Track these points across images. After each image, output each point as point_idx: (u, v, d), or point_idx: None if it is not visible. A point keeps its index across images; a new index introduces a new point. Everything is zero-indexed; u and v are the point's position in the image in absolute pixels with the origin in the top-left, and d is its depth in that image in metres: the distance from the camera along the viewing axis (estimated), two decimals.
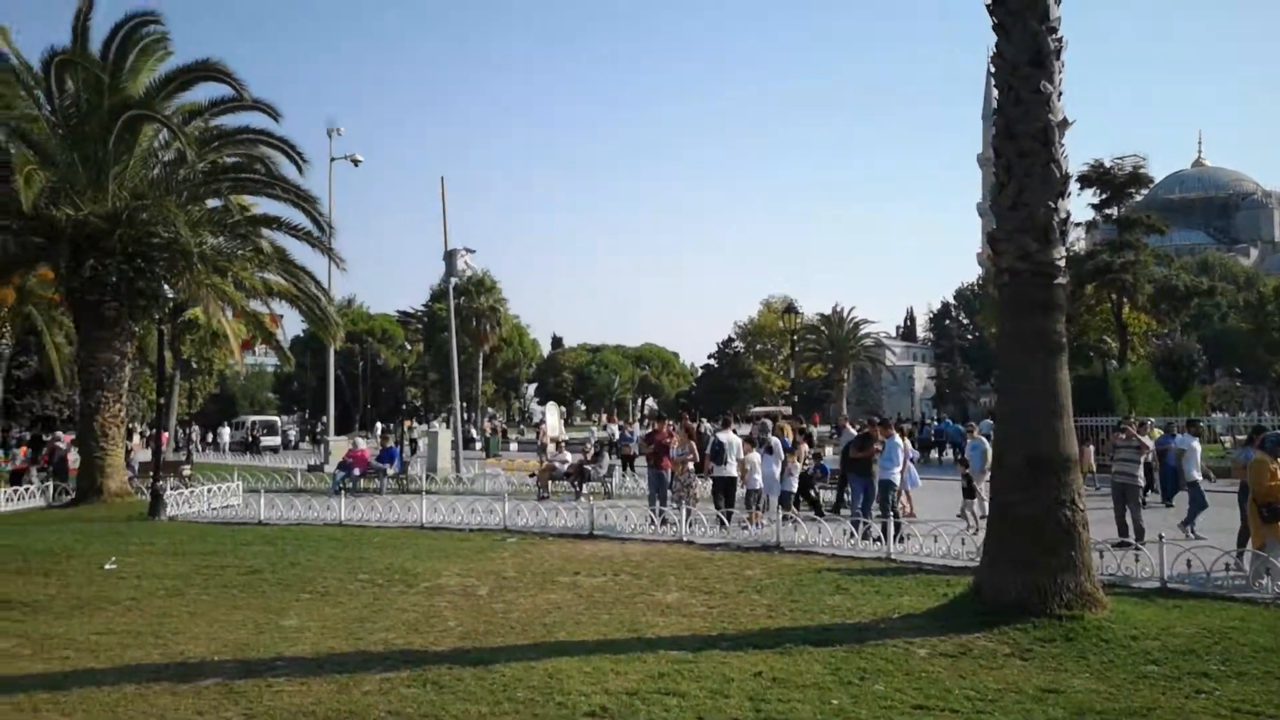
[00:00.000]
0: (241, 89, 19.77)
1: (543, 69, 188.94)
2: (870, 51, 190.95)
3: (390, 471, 23.01)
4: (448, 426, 33.31)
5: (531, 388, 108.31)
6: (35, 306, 25.54)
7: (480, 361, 77.31)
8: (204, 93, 20.95)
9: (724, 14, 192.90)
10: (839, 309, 76.21)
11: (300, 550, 13.15)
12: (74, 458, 21.30)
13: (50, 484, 20.50)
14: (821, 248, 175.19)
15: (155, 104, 18.94)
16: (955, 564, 11.49)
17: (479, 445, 46.76)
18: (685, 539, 13.87)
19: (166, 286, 18.79)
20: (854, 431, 19.39)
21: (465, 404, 55.75)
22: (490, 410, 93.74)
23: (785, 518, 13.97)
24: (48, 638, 8.24)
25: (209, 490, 19.63)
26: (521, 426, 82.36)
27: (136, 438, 34.32)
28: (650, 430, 19.13)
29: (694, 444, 17.15)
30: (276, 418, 59.86)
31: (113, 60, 18.64)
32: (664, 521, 14.82)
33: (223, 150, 20.93)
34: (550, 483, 21.60)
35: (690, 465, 16.45)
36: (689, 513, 14.45)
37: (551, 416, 43.58)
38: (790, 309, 29.98)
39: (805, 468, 17.13)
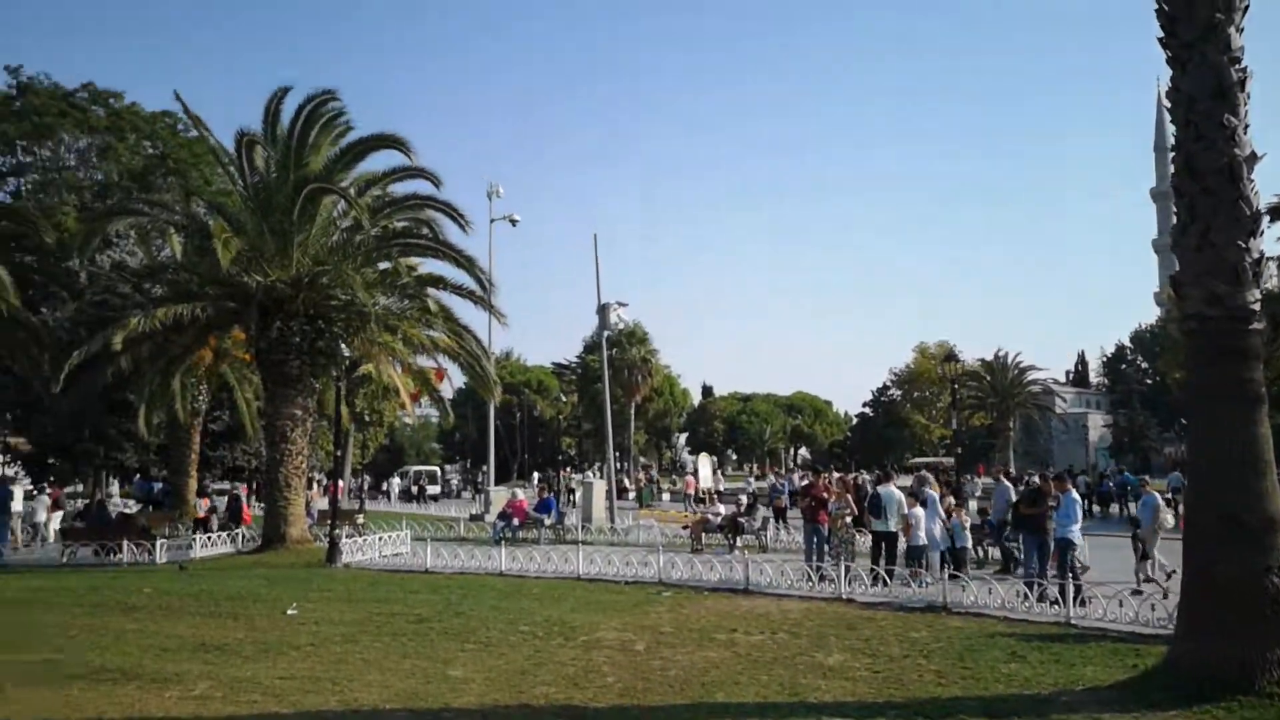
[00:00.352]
0: (411, 156, 21.08)
1: (687, 129, 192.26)
2: (1029, 85, 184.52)
3: (547, 521, 23.49)
4: (601, 477, 33.82)
5: (683, 437, 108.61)
6: (229, 365, 27.72)
7: (632, 411, 78.28)
8: (378, 161, 22.44)
9: (876, 63, 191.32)
10: (1001, 354, 73.01)
11: (464, 600, 13.55)
12: (251, 507, 23.00)
13: (240, 531, 22.01)
14: (980, 291, 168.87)
15: (334, 177, 20.43)
16: (1145, 631, 10.63)
17: (632, 495, 47.13)
18: (845, 597, 13.45)
19: (344, 345, 20.08)
20: (1008, 485, 18.47)
21: (618, 454, 56.40)
22: (642, 460, 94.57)
23: (953, 576, 13.34)
24: (237, 680, 8.77)
25: (380, 538, 20.60)
26: (674, 477, 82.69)
27: (315, 487, 36.52)
28: (806, 484, 18.78)
29: (851, 497, 16.71)
30: (437, 468, 62.48)
31: (297, 137, 20.26)
32: (822, 578, 14.44)
33: (393, 216, 22.27)
34: (704, 535, 21.50)
35: (848, 519, 16.01)
36: (848, 569, 14.02)
37: (704, 467, 43.54)
38: (951, 356, 28.89)
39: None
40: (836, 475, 22.67)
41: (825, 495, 16.13)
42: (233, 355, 27.61)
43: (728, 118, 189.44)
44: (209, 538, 20.89)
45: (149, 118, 61.46)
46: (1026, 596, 12.39)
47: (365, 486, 50.84)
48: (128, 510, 21.60)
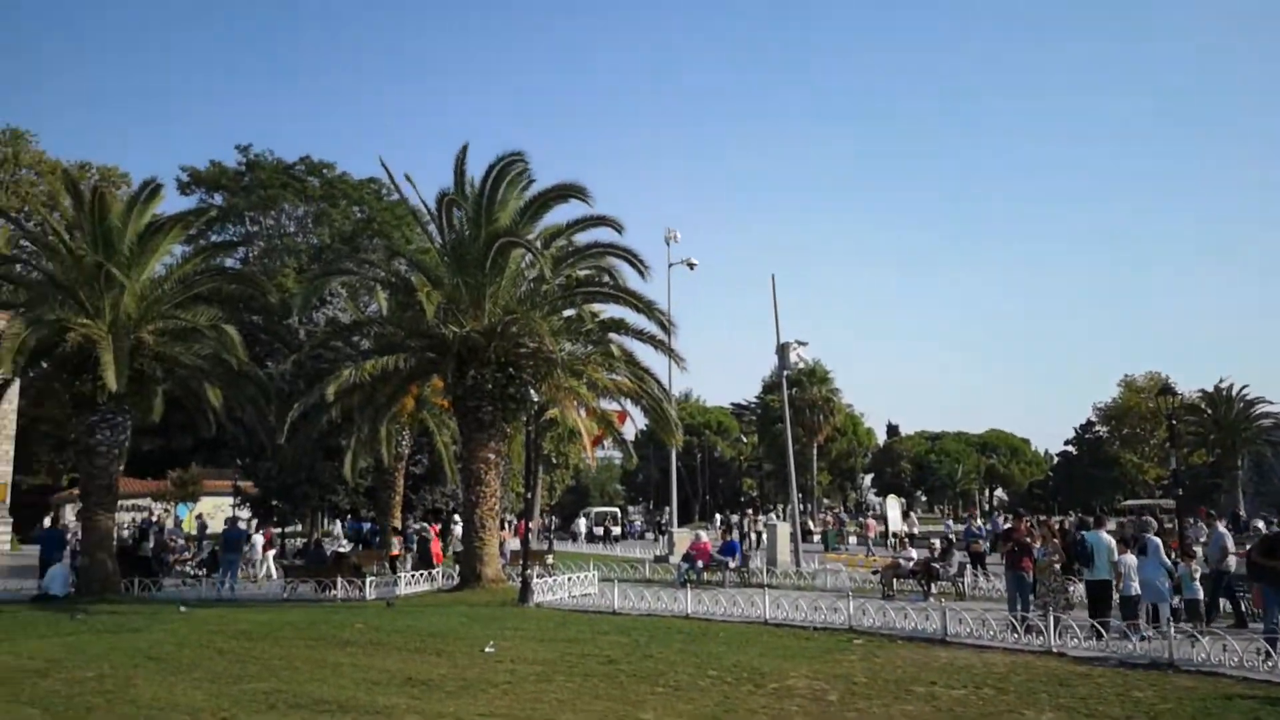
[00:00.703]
0: (592, 204, 21.80)
1: (863, 163, 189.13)
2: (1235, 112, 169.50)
3: (732, 564, 23.31)
4: (784, 519, 33.27)
5: (868, 478, 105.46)
6: (429, 412, 29.42)
7: (814, 452, 76.80)
8: (561, 209, 23.34)
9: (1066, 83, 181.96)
10: (1224, 384, 66.74)
11: (652, 642, 13.61)
12: (439, 546, 24.13)
13: (438, 570, 23.11)
14: (1192, 314, 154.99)
15: (521, 230, 21.43)
16: None
17: (816, 538, 46.07)
18: (1055, 650, 12.54)
19: (533, 391, 20.86)
20: (1223, 531, 16.74)
21: (800, 495, 55.38)
22: (826, 501, 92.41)
23: (1182, 630, 12.17)
24: (441, 716, 9.15)
25: (569, 579, 21.08)
26: (860, 519, 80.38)
27: (507, 528, 37.90)
28: (1008, 528, 17.74)
29: (1058, 542, 15.63)
30: (616, 509, 63.54)
31: (487, 195, 21.41)
32: (1028, 629, 13.53)
33: (576, 265, 23.04)
34: (895, 580, 20.68)
35: (1057, 566, 14.97)
36: (1058, 620, 13.07)
37: (893, 510, 42.00)
38: (1166, 389, 26.68)
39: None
40: (1039, 518, 21.29)
41: (1029, 540, 15.17)
42: (432, 402, 29.29)
43: (901, 146, 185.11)
44: (412, 576, 22.05)
45: (356, 185, 67.05)
46: (1269, 654, 11.13)
47: (553, 527, 52.27)
48: (341, 549, 23.15)
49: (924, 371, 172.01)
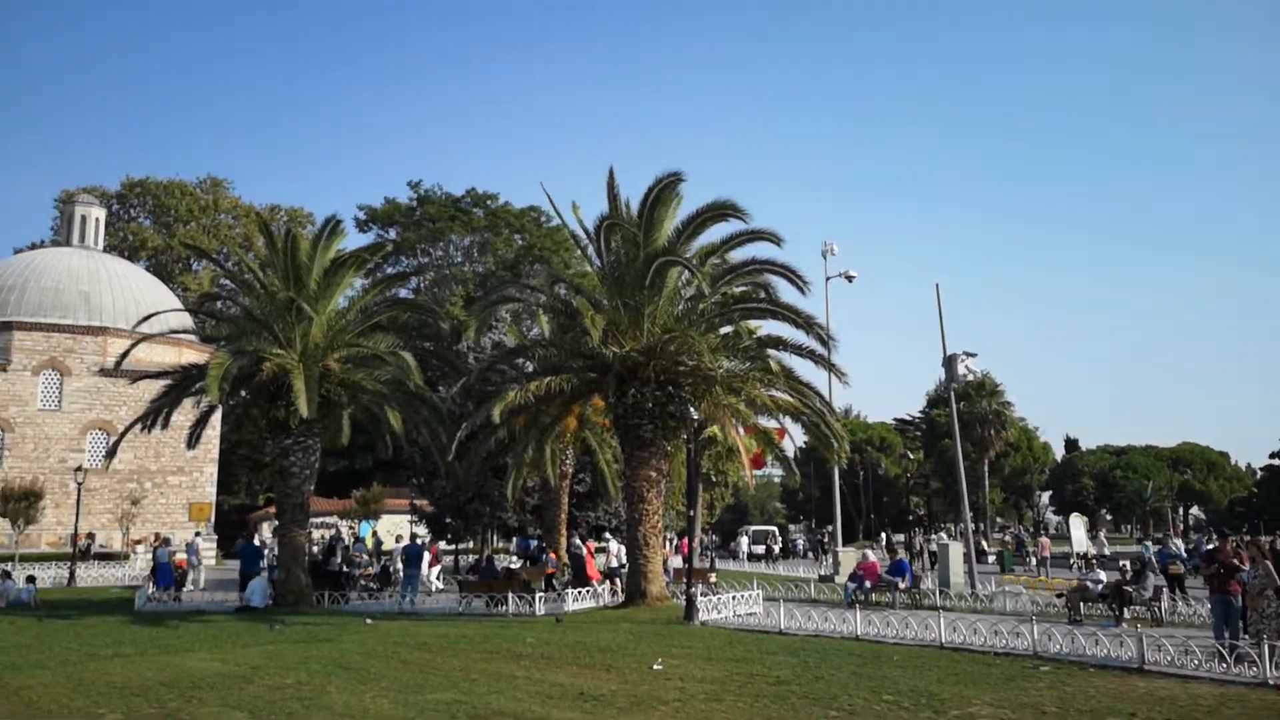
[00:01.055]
0: (747, 221, 21.73)
1: (1024, 164, 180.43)
2: None
3: (902, 585, 22.53)
4: (955, 538, 31.89)
5: (1045, 496, 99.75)
6: (590, 431, 30.01)
7: (985, 469, 73.46)
8: (717, 229, 23.37)
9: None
10: None
11: (822, 664, 13.30)
12: (595, 563, 24.47)
13: (604, 587, 23.47)
14: None
15: (678, 249, 21.59)
16: None
17: (991, 559, 43.90)
18: (1271, 681, 11.41)
19: (692, 409, 20.93)
20: None
21: (972, 513, 52.98)
22: (999, 520, 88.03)
23: None
24: None
25: (733, 597, 20.93)
26: (1039, 539, 76.12)
27: (668, 545, 38.07)
28: (1211, 548, 16.34)
29: (1269, 564, 14.25)
30: (773, 527, 62.66)
31: (645, 216, 21.70)
32: (1239, 658, 12.38)
33: (732, 282, 22.99)
34: (1082, 604, 19.42)
35: (1270, 591, 13.65)
36: (1273, 649, 11.89)
37: (1076, 529, 39.56)
38: None
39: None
40: (1247, 538, 19.51)
41: (1236, 562, 13.92)
42: (594, 422, 29.87)
43: (1068, 149, 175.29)
44: (578, 592, 22.48)
45: (518, 214, 69.72)
46: None
47: (713, 545, 52.16)
48: (512, 565, 23.90)
49: (1105, 382, 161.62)
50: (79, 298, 50.08)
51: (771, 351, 23.13)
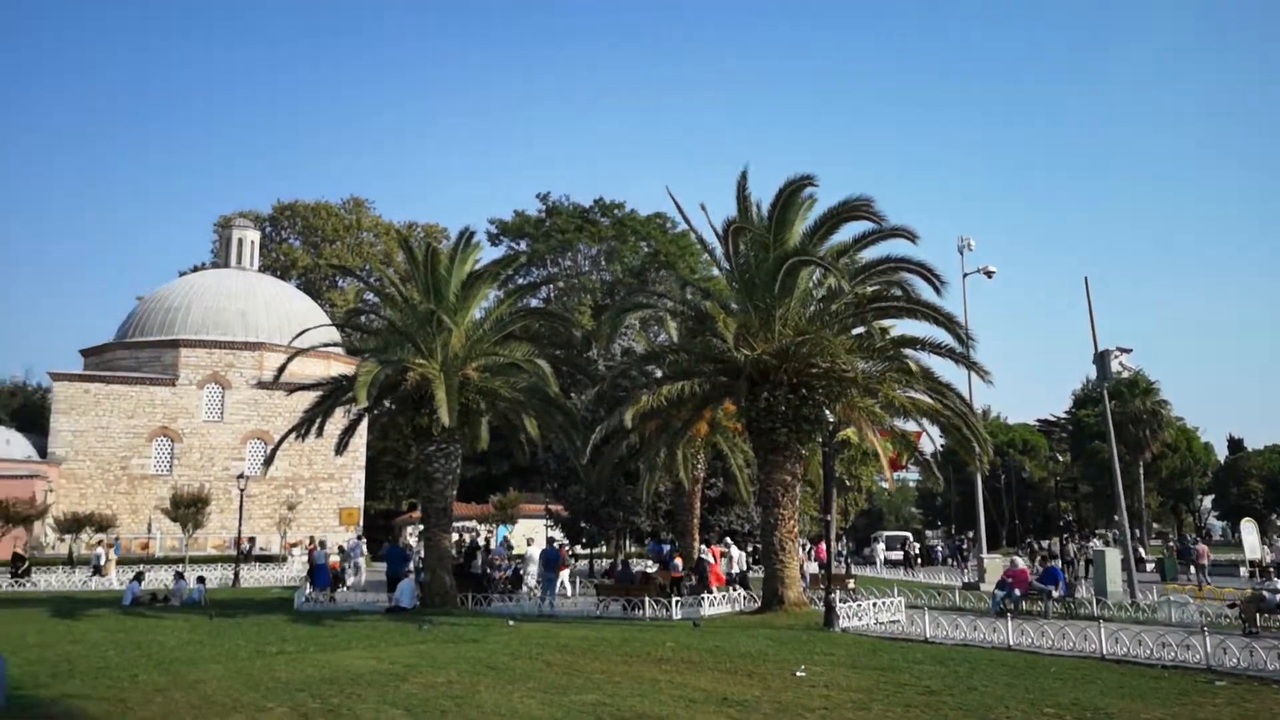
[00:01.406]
0: (881, 220, 21.21)
1: (1175, 145, 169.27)
2: None
3: (1055, 593, 21.48)
4: (1109, 544, 30.21)
5: (1207, 500, 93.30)
6: (721, 435, 29.90)
7: (1140, 471, 69.37)
8: (847, 230, 22.89)
9: None
10: None
11: (973, 674, 12.80)
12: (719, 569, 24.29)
13: (740, 593, 23.31)
14: None
15: (810, 249, 21.26)
16: None
17: (1150, 567, 41.37)
18: None
19: (827, 411, 20.56)
20: None
21: (1127, 519, 50.15)
22: (1154, 525, 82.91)
23: None
24: None
25: (873, 604, 20.42)
26: (1195, 546, 71.28)
27: (802, 551, 37.50)
28: None
29: None
30: (908, 533, 60.73)
31: (775, 219, 21.47)
32: None
33: (866, 281, 22.46)
34: (1259, 616, 18.03)
35: None
36: None
37: (1248, 535, 36.83)
38: None
39: None
40: None
41: None
42: (725, 426, 29.75)
43: (1230, 131, 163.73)
44: (713, 597, 22.39)
45: (644, 221, 70.35)
46: None
47: (849, 551, 51.07)
48: (648, 569, 24.04)
49: (1273, 378, 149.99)
50: (237, 316, 53.57)
51: (908, 351, 22.48)
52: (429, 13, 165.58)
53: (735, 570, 24.55)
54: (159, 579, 30.26)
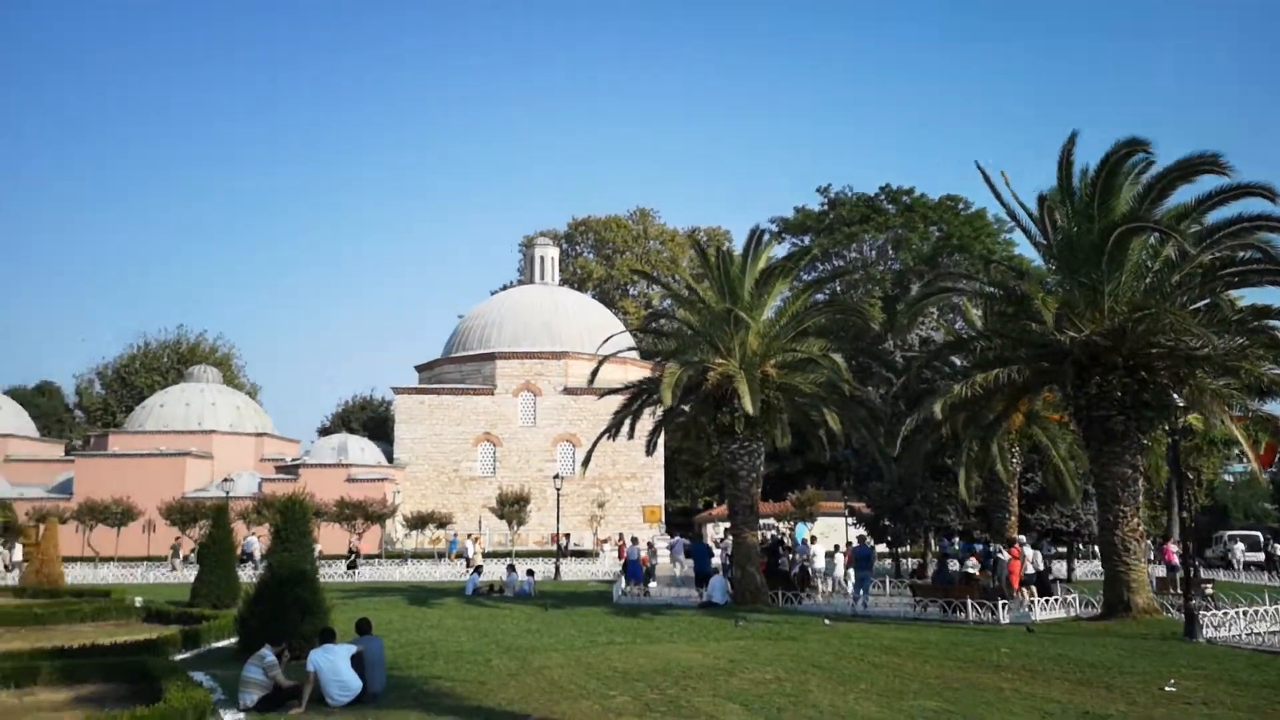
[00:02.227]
0: (1229, 174, 18.53)
1: None
2: None
3: None
4: None
5: None
6: (1038, 426, 27.67)
7: None
8: (1184, 192, 20.25)
9: None
10: None
11: None
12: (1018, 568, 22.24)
13: (1074, 595, 21.39)
14: None
15: (1143, 215, 19.05)
16: None
17: None
18: None
19: (1175, 395, 18.31)
20: None
21: None
22: None
23: None
24: None
25: (1241, 613, 17.92)
26: None
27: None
28: None
29: None
30: (1257, 533, 52.51)
31: (1099, 186, 19.41)
32: None
33: (1212, 247, 19.78)
34: None
35: None
36: None
37: None
38: None
39: None
40: None
41: None
42: (1043, 416, 27.55)
43: None
44: (1046, 601, 20.71)
45: (935, 205, 67.21)
46: None
47: (1196, 552, 45.27)
48: (970, 570, 22.68)
49: None
50: (543, 328, 57.65)
51: (1272, 323, 19.55)
52: (710, 18, 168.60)
53: (1031, 570, 22.49)
54: (493, 571, 33.03)
